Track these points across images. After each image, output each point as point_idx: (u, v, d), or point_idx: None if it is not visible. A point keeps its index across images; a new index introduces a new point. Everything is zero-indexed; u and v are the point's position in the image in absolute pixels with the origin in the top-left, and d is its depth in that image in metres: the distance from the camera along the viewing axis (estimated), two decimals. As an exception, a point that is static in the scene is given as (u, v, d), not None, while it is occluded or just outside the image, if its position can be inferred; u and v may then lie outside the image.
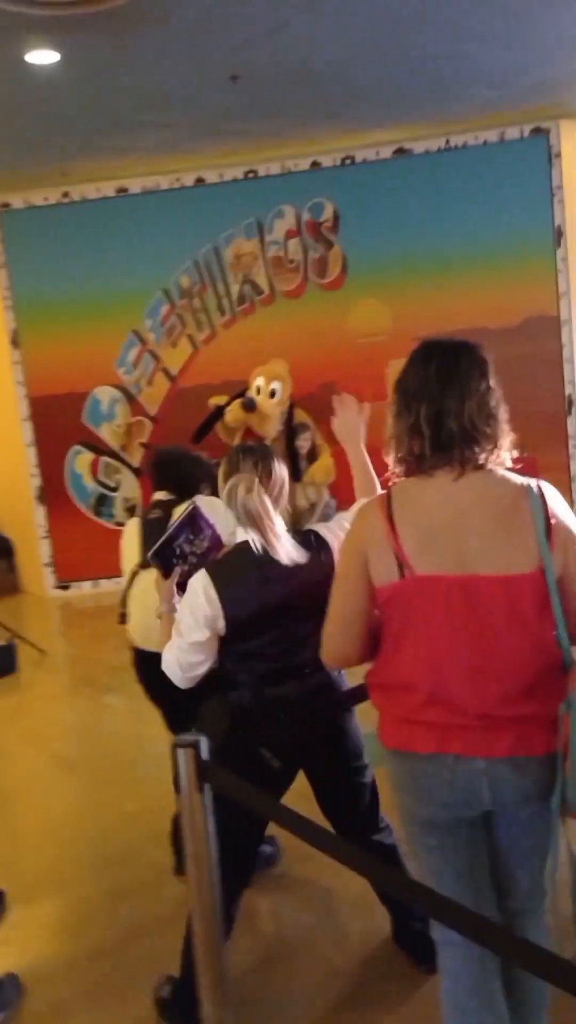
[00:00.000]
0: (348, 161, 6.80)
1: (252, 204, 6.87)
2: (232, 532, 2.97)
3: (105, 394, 7.22)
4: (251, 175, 6.86)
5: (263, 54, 4.96)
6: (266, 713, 2.23)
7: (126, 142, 6.20)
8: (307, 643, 2.11)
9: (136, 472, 7.29)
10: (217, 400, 6.18)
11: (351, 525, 1.88)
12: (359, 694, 2.12)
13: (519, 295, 6.81)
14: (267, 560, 2.18)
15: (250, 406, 5.77)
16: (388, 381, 7.18)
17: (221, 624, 2.20)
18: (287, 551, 2.18)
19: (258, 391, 5.96)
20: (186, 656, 2.24)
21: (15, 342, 7.14)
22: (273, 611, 2.20)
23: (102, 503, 7.31)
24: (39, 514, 7.36)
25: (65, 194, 6.95)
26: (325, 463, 6.02)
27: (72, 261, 7.02)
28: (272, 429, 5.87)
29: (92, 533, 7.14)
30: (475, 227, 6.78)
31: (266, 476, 2.24)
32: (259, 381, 6.00)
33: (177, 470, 3.15)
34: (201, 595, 2.20)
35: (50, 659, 5.83)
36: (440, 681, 1.70)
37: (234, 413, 5.87)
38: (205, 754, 1.79)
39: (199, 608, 2.20)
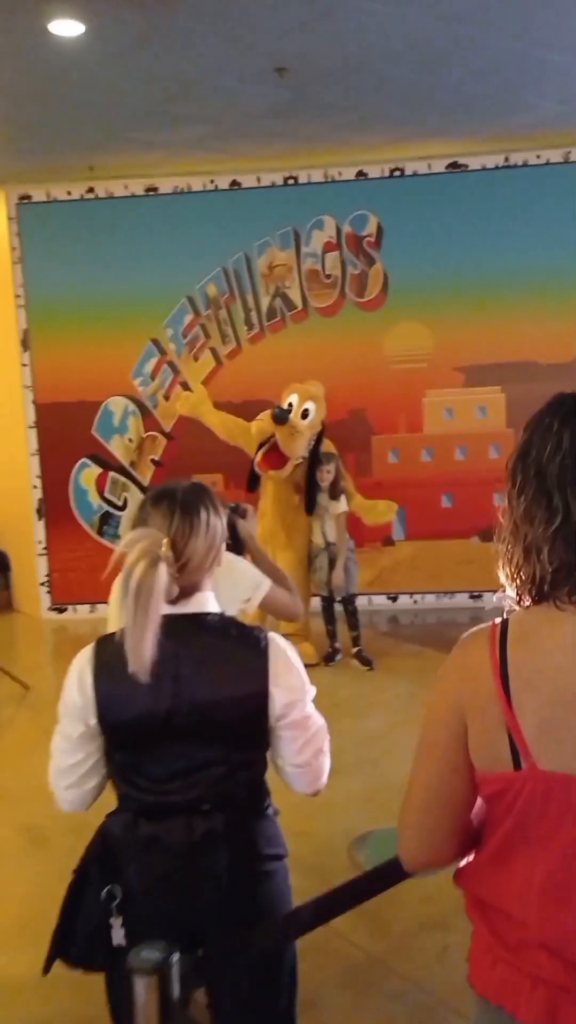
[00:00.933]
0: (397, 173, 6.28)
1: (290, 212, 6.36)
2: (246, 600, 2.43)
3: (118, 405, 6.72)
4: (291, 181, 6.36)
5: (311, 45, 4.45)
6: (136, 856, 1.65)
7: (157, 136, 5.70)
8: (209, 771, 1.62)
9: (145, 491, 6.76)
10: (262, 426, 5.52)
11: (448, 661, 1.27)
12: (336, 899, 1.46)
13: (574, 329, 6.24)
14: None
15: (282, 418, 5.22)
16: (425, 412, 6.73)
17: (93, 722, 1.65)
18: (142, 662, 1.52)
19: (289, 408, 5.42)
20: (61, 756, 1.70)
21: (25, 344, 6.66)
22: (162, 724, 1.62)
23: (106, 522, 6.79)
24: (38, 529, 6.85)
25: (90, 189, 6.47)
26: (380, 507, 5.55)
27: (92, 261, 6.54)
28: (298, 449, 5.31)
29: (93, 553, 6.62)
30: (530, 252, 6.23)
31: (184, 533, 1.63)
32: (292, 398, 5.47)
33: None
34: (74, 678, 1.67)
35: (34, 695, 5.27)
36: (561, 928, 1.13)
37: (261, 423, 5.33)
38: (177, 981, 1.21)
39: (69, 694, 1.66)
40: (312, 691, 1.74)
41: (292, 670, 1.68)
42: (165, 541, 1.58)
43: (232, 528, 2.59)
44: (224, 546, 1.74)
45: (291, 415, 5.27)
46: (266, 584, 2.43)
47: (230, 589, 2.38)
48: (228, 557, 2.46)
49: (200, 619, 1.67)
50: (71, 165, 6.25)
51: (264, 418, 5.32)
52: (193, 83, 4.87)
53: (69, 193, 6.49)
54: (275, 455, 5.27)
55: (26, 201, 6.53)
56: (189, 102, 5.14)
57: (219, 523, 1.70)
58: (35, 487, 6.81)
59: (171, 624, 1.57)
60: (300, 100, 5.17)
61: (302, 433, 5.29)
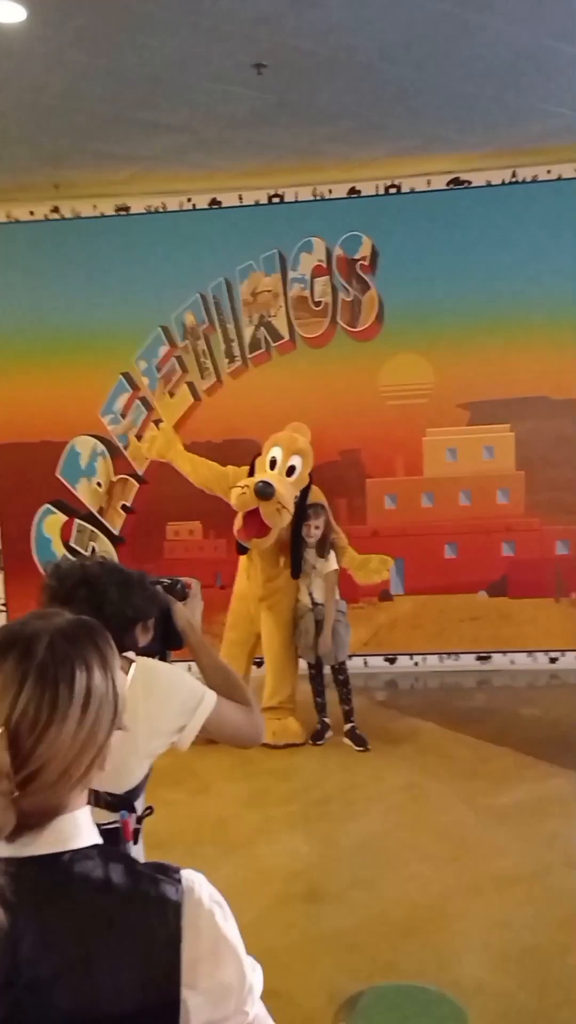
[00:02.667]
0: (393, 190, 5.70)
1: (275, 234, 5.77)
2: (179, 728, 1.73)
3: (85, 446, 6.07)
4: (276, 199, 5.78)
5: (292, 37, 3.88)
6: None
7: (126, 147, 5.13)
8: None
9: (115, 540, 6.09)
10: (238, 478, 4.79)
11: None
12: None
13: (590, 362, 5.63)
14: None
15: (266, 493, 4.45)
16: (425, 453, 6.08)
17: None
18: None
19: (272, 464, 4.70)
20: None
21: (-18, 378, 6.03)
22: None
23: (72, 575, 6.09)
24: (-4, 582, 6.17)
25: (55, 209, 5.90)
26: (373, 563, 4.89)
27: (58, 288, 5.94)
28: (284, 520, 4.59)
29: (57, 610, 5.91)
30: (540, 277, 5.64)
31: (38, 720, 0.96)
32: (275, 452, 4.75)
33: (96, 602, 1.87)
34: None
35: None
36: None
37: (243, 498, 4.55)
38: None
39: None
40: (256, 987, 1.04)
41: (223, 955, 0.99)
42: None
43: (165, 616, 1.91)
44: (110, 735, 1.04)
45: (276, 487, 4.52)
46: (209, 700, 1.73)
47: (156, 714, 1.69)
48: (151, 667, 1.78)
49: (59, 865, 0.97)
50: (34, 183, 5.69)
51: (246, 491, 4.55)
52: (162, 82, 4.30)
53: (32, 213, 5.92)
54: (256, 523, 4.56)
55: (-14, 223, 5.95)
56: (159, 106, 4.57)
57: (109, 694, 1.01)
58: (-7, 536, 6.15)
59: (6, 876, 0.92)
60: (283, 104, 4.60)
61: (288, 507, 4.58)
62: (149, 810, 1.73)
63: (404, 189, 5.69)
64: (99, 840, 1.02)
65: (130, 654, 1.74)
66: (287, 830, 3.76)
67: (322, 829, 3.75)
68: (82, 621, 1.07)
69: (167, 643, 1.87)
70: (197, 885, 1.00)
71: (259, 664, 5.03)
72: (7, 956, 0.92)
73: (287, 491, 4.58)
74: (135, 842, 1.65)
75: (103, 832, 1.06)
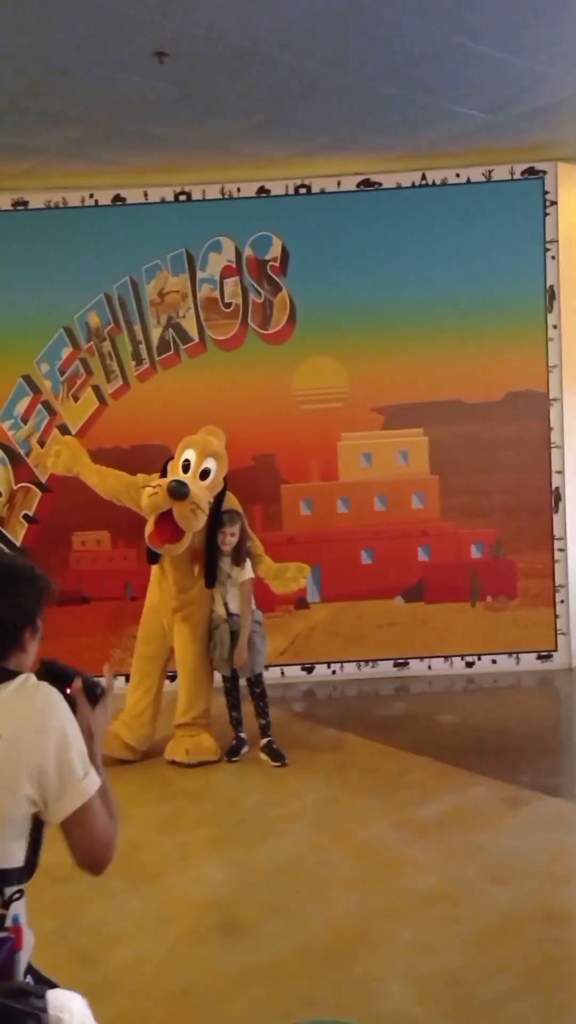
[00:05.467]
0: (302, 190, 5.59)
1: (182, 232, 5.58)
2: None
3: (-16, 453, 5.75)
4: (183, 197, 5.59)
5: (194, 25, 3.71)
6: None
7: (20, 138, 4.86)
8: None
9: (17, 551, 5.77)
10: (148, 483, 4.56)
11: None
12: None
13: (502, 365, 5.64)
14: None
15: (180, 492, 4.25)
16: (340, 458, 5.97)
17: None
18: None
19: (186, 467, 4.50)
20: None
21: None
22: None
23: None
24: None
25: (-53, 203, 5.56)
26: (290, 571, 4.75)
27: (-49, 286, 5.60)
28: (199, 522, 4.39)
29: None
30: (452, 281, 5.62)
31: None
32: (189, 455, 4.54)
33: None
34: None
35: None
36: None
37: (155, 499, 4.33)
38: None
39: None
40: None
41: None
42: None
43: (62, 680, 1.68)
44: None
45: (191, 487, 4.33)
46: (93, 780, 1.56)
47: (35, 758, 1.50)
48: (53, 706, 1.57)
49: None
50: None
51: (159, 491, 4.34)
52: (58, 69, 4.06)
53: None
54: (169, 527, 4.35)
55: None
56: (57, 95, 4.33)
57: None
58: None
59: None
60: (186, 96, 4.42)
61: (203, 508, 4.40)
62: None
63: (314, 189, 5.58)
64: None
65: (30, 677, 1.56)
66: (202, 856, 3.57)
67: (239, 853, 3.57)
68: None
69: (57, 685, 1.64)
70: (67, 1016, 0.81)
71: (172, 678, 4.82)
72: None
73: (202, 492, 4.40)
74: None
75: None
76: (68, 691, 1.62)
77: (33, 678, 1.58)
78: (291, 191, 5.58)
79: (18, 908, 1.44)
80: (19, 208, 5.57)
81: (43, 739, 1.50)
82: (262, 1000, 2.62)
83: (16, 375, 5.67)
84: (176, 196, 5.58)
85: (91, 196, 5.56)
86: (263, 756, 4.57)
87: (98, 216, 5.57)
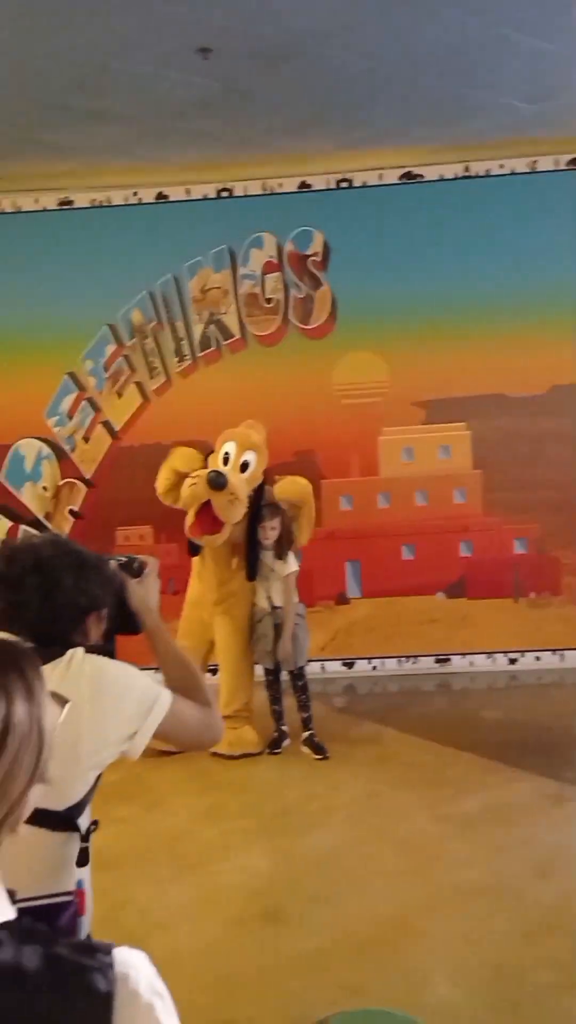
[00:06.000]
0: (344, 184, 5.59)
1: (225, 229, 5.62)
2: (130, 735, 1.55)
3: (30, 449, 5.84)
4: (225, 194, 5.63)
5: (238, 20, 3.75)
6: None
7: (67, 138, 4.94)
8: None
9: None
10: (182, 458, 4.67)
11: None
12: None
13: (546, 358, 5.58)
14: None
15: (218, 484, 4.31)
16: (381, 453, 5.96)
17: None
18: None
19: (225, 460, 4.54)
20: None
21: None
22: None
23: (18, 583, 5.85)
24: None
25: (-5, 203, 5.67)
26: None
27: (-1, 285, 5.70)
28: (237, 515, 4.44)
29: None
30: (495, 273, 5.57)
31: None
32: (228, 447, 4.59)
33: (47, 589, 1.66)
34: None
35: None
36: None
37: (194, 489, 4.40)
38: None
39: None
40: None
41: None
42: None
43: (120, 596, 1.73)
44: (28, 789, 0.87)
45: (230, 477, 4.38)
46: (164, 702, 1.55)
47: (103, 721, 1.52)
48: (100, 666, 1.60)
49: None
50: (-28, 175, 5.46)
51: (198, 482, 4.40)
52: (105, 68, 4.13)
53: (-28, 208, 5.68)
54: (208, 518, 4.39)
55: None
56: (102, 93, 4.40)
57: (32, 734, 0.85)
58: None
59: None
60: (229, 92, 4.46)
61: (241, 499, 4.43)
62: (94, 825, 1.55)
63: (356, 183, 5.58)
64: (10, 915, 0.83)
65: (78, 651, 1.57)
66: (244, 846, 3.59)
67: (281, 844, 3.59)
68: (6, 644, 0.90)
69: (122, 628, 1.68)
70: (133, 972, 0.81)
71: (213, 671, 4.86)
72: None
73: (241, 484, 4.43)
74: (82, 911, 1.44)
75: (38, 910, 0.88)
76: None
77: (79, 651, 1.59)
78: (333, 185, 5.59)
79: (82, 873, 1.46)
80: (65, 207, 5.66)
81: (102, 700, 1.50)
82: (306, 987, 2.63)
83: (62, 372, 5.76)
84: (218, 193, 5.62)
85: (135, 194, 5.62)
86: (305, 749, 4.58)
87: (142, 214, 5.64)
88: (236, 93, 4.47)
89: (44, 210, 5.66)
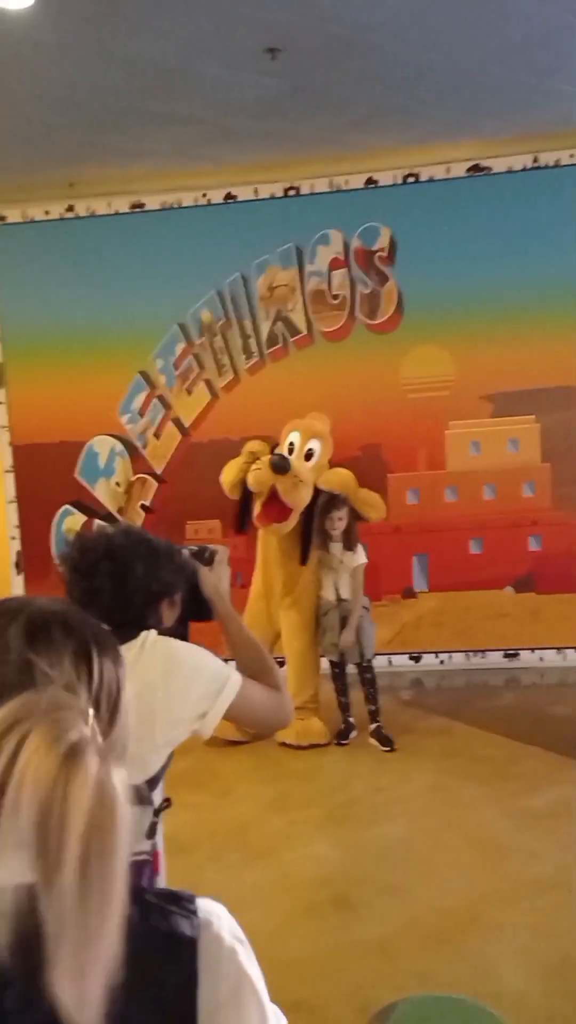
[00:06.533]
0: (411, 179, 5.58)
1: (291, 227, 5.67)
2: (202, 714, 1.62)
3: (104, 446, 6.00)
4: (292, 192, 5.68)
5: (305, 19, 3.78)
6: None
7: (140, 142, 5.05)
8: None
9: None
10: (255, 448, 4.85)
11: None
12: None
13: (618, 350, 5.47)
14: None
15: (282, 467, 4.43)
16: (448, 447, 5.95)
17: None
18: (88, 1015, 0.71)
19: (290, 449, 4.64)
20: None
21: (0, 380, 5.98)
22: None
23: (92, 576, 6.02)
24: (16, 584, 6.11)
25: (70, 208, 5.83)
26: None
27: (74, 287, 5.87)
28: (304, 499, 4.54)
29: (77, 612, 5.84)
30: (564, 264, 5.49)
31: (112, 690, 0.85)
32: (293, 437, 4.70)
33: (120, 577, 1.73)
34: None
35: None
36: None
37: (258, 474, 4.54)
38: None
39: None
40: None
41: (246, 1002, 0.85)
42: (89, 713, 0.77)
43: (193, 586, 1.80)
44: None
45: (293, 461, 4.48)
46: (234, 683, 1.62)
47: (176, 700, 1.59)
48: (171, 648, 1.67)
49: None
50: (49, 181, 5.62)
51: (261, 467, 4.51)
52: (175, 70, 4.21)
53: (47, 213, 5.85)
54: (276, 506, 4.48)
55: (1, 223, 5.89)
56: (172, 96, 4.49)
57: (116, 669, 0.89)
58: (13, 538, 6.09)
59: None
60: (297, 90, 4.50)
61: (306, 482, 4.51)
62: (167, 802, 1.62)
63: (423, 177, 5.56)
64: None
65: (151, 633, 1.64)
66: (312, 834, 3.66)
67: (348, 833, 3.64)
68: (92, 619, 0.96)
69: (195, 614, 1.76)
70: (216, 919, 0.86)
71: (280, 664, 4.93)
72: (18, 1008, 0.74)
73: (305, 473, 4.50)
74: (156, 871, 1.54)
75: None
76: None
77: (152, 634, 1.66)
78: (399, 180, 5.58)
79: (156, 841, 1.54)
80: (136, 210, 5.79)
81: (175, 679, 1.57)
82: (374, 973, 2.68)
83: (134, 371, 5.90)
84: (285, 191, 5.67)
85: (204, 196, 5.71)
86: (372, 741, 4.62)
87: (210, 215, 5.72)
88: (303, 91, 4.51)
89: (117, 213, 5.80)
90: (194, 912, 0.85)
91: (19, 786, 0.68)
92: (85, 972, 0.68)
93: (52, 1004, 0.69)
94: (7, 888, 0.72)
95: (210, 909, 0.87)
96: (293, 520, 4.57)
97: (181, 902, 0.86)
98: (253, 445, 4.83)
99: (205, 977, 0.82)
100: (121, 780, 0.73)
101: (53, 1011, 0.69)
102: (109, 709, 0.83)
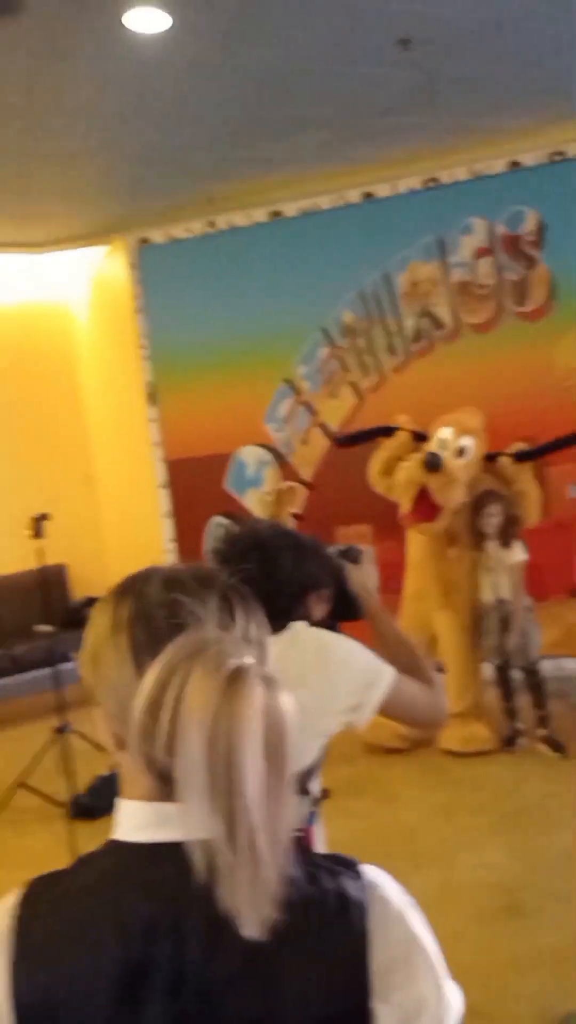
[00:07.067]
0: (557, 157, 5.32)
1: (432, 219, 5.54)
2: (354, 707, 1.56)
3: (252, 455, 6.07)
4: (431, 184, 5.55)
5: (440, 3, 3.67)
6: None
7: (273, 150, 5.09)
8: None
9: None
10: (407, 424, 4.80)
11: None
12: None
13: None
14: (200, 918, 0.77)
15: (434, 465, 4.31)
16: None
17: None
18: (263, 911, 0.73)
19: (442, 446, 4.51)
20: None
21: (152, 398, 6.18)
22: None
23: (246, 585, 6.08)
24: (175, 595, 6.26)
25: (210, 223, 5.96)
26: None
27: (216, 301, 6.00)
28: (456, 497, 4.39)
29: (233, 620, 5.91)
30: None
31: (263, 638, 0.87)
32: (445, 434, 4.56)
33: (268, 568, 1.71)
34: None
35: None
36: None
37: (410, 471, 4.43)
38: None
39: None
40: (455, 1007, 0.85)
41: (417, 963, 0.82)
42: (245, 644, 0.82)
43: (340, 582, 1.76)
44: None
45: (445, 460, 4.33)
46: (388, 676, 1.56)
47: (329, 690, 1.53)
48: (324, 639, 1.62)
49: None
50: (189, 200, 5.79)
51: (413, 465, 4.40)
52: (305, 73, 4.21)
53: (189, 231, 6.02)
54: (426, 505, 4.35)
55: (146, 245, 6.11)
56: (304, 100, 4.49)
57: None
58: (168, 550, 6.26)
59: (170, 863, 0.77)
60: (432, 81, 4.39)
61: (459, 480, 4.35)
62: (325, 793, 1.58)
63: (570, 154, 5.30)
64: None
65: (301, 623, 1.61)
66: (482, 841, 3.48)
67: (519, 841, 3.44)
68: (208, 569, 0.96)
69: (344, 613, 1.72)
70: (383, 882, 0.85)
71: (439, 669, 4.76)
72: (172, 960, 0.77)
73: (458, 470, 4.34)
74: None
75: None
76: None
77: (302, 624, 1.63)
78: (545, 160, 5.34)
79: (315, 820, 1.50)
80: (275, 219, 5.84)
81: (327, 669, 1.54)
82: (551, 981, 2.51)
83: (278, 379, 5.94)
84: (424, 183, 5.56)
85: (341, 197, 5.69)
86: (541, 747, 4.37)
87: (348, 215, 5.69)
88: (439, 80, 4.39)
89: (255, 224, 5.88)
90: (360, 875, 0.84)
91: (187, 720, 0.71)
92: (258, 889, 0.71)
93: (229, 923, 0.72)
94: (196, 842, 0.73)
95: (376, 873, 0.86)
96: (444, 521, 4.42)
97: (348, 865, 0.85)
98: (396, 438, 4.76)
99: (376, 938, 0.80)
100: (288, 703, 0.74)
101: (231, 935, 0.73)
102: (259, 652, 0.82)
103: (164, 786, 0.77)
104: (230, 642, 0.77)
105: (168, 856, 0.77)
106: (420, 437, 4.72)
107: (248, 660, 0.75)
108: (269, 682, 0.74)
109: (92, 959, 0.77)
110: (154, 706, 0.73)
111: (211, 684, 0.71)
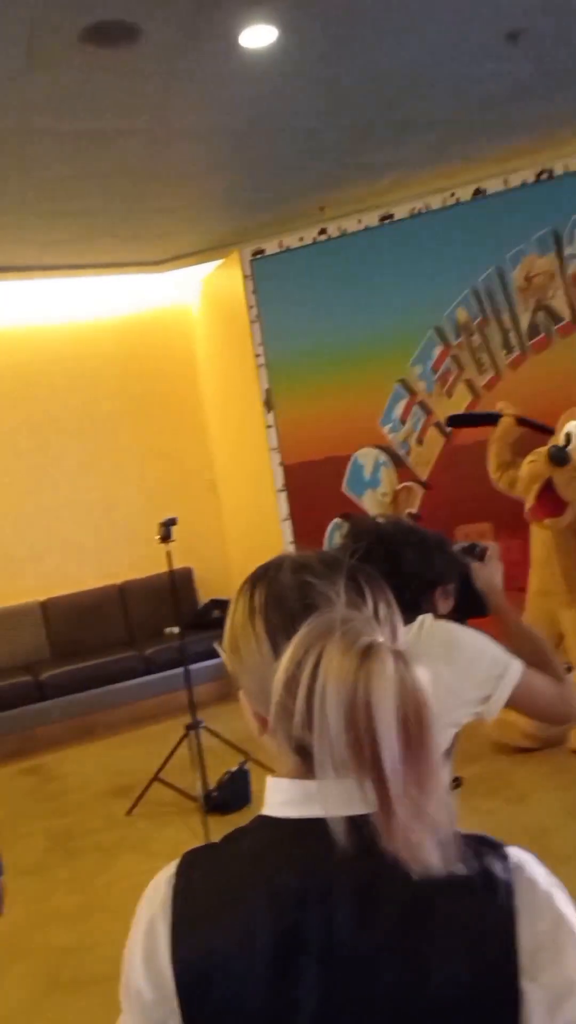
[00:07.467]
0: None
1: (546, 211, 5.44)
2: (484, 698, 1.60)
3: (368, 457, 6.11)
4: (544, 176, 5.46)
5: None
6: None
7: (383, 154, 5.14)
8: None
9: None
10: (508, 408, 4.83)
11: None
12: None
13: None
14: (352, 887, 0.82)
15: (560, 458, 4.27)
16: None
17: None
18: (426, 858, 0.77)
19: (568, 440, 4.45)
20: None
21: (268, 404, 6.32)
22: None
23: (366, 586, 6.13)
24: (295, 597, 6.37)
25: (322, 231, 6.05)
26: None
27: (330, 307, 6.07)
28: None
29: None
30: None
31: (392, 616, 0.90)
32: (570, 427, 4.50)
33: (393, 562, 1.72)
34: (139, 939, 0.88)
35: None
36: None
37: (534, 465, 4.39)
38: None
39: (130, 969, 0.89)
40: None
41: (565, 944, 0.81)
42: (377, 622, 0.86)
43: (465, 579, 1.79)
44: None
45: (571, 453, 4.28)
46: (516, 669, 1.59)
47: (459, 682, 1.57)
48: (452, 632, 1.66)
49: (373, 828, 0.83)
50: (301, 210, 5.90)
51: (537, 459, 4.36)
52: (413, 76, 4.24)
53: (301, 239, 6.12)
54: (551, 499, 4.30)
55: (259, 256, 6.26)
56: (413, 102, 4.51)
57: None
58: (289, 553, 6.37)
59: (317, 837, 0.81)
60: (543, 71, 4.34)
61: None
62: (456, 781, 1.61)
63: None
64: None
65: (428, 616, 1.64)
66: (619, 843, 3.41)
67: None
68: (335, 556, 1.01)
69: (470, 610, 1.75)
70: (528, 863, 0.85)
71: (568, 669, 4.67)
72: (323, 930, 0.81)
73: None
74: None
75: None
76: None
77: (429, 617, 1.66)
78: None
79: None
80: (386, 222, 5.88)
81: (456, 661, 1.56)
82: None
83: (393, 380, 5.96)
84: (537, 176, 5.47)
85: (452, 195, 5.67)
86: None
87: (459, 213, 5.66)
88: (550, 71, 4.34)
89: (366, 228, 5.93)
90: (505, 856, 0.84)
91: (323, 697, 0.74)
92: (416, 845, 0.75)
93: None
94: (338, 819, 0.77)
95: (523, 855, 0.86)
96: (569, 516, 4.34)
97: (494, 846, 0.85)
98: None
99: (523, 918, 0.80)
100: (424, 676, 0.76)
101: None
102: (390, 630, 0.86)
103: (307, 763, 0.80)
104: (361, 620, 0.80)
105: (313, 832, 0.81)
106: (523, 422, 4.70)
107: (379, 638, 0.78)
108: (401, 657, 0.77)
109: (246, 927, 0.82)
110: (291, 684, 0.76)
111: (345, 660, 0.74)
